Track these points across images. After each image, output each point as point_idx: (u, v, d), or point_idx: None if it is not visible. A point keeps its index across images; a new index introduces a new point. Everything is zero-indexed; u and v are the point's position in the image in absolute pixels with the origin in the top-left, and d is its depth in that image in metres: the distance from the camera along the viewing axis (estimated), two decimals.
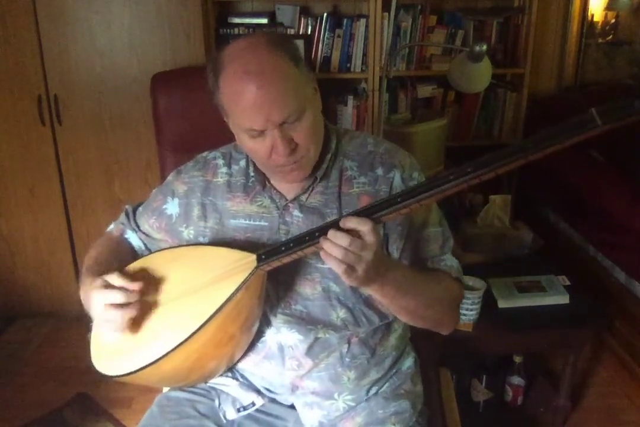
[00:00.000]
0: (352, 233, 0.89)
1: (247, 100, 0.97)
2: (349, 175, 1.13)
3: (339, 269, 0.89)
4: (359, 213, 0.91)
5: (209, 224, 1.16)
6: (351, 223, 0.89)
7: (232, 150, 1.21)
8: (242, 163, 1.18)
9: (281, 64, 0.98)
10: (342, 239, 0.88)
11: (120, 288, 1.02)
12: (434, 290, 1.10)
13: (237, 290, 1.01)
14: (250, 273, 1.01)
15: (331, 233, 0.89)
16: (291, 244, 0.96)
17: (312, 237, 0.93)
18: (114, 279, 1.03)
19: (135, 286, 1.03)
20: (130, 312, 1.01)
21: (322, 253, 0.90)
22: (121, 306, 1.00)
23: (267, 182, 1.14)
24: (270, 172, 1.12)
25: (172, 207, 1.21)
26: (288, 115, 0.98)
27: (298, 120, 1.00)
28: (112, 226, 1.32)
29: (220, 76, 1.00)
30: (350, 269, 0.89)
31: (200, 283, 1.05)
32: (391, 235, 1.12)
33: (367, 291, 1.01)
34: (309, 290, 1.12)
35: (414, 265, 1.14)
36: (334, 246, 0.89)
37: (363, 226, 0.88)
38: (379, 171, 1.13)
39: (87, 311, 1.09)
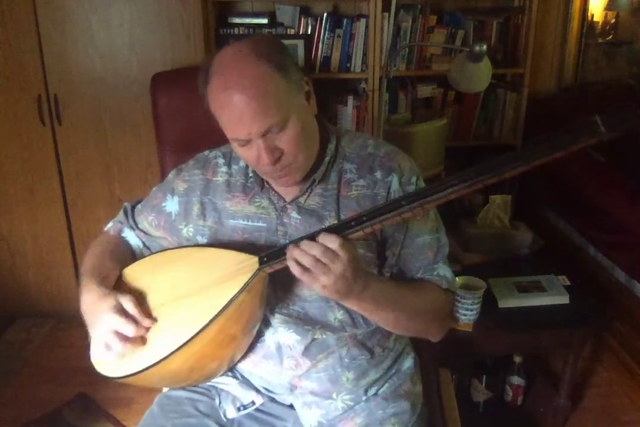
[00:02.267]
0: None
1: (228, 113, 0.99)
2: (348, 178, 1.13)
3: (301, 276, 0.92)
4: (364, 215, 0.92)
5: (207, 222, 1.17)
6: (322, 239, 0.91)
7: (232, 150, 1.21)
8: (242, 163, 1.18)
9: (264, 75, 0.98)
10: (315, 249, 0.90)
11: (132, 318, 1.03)
12: (417, 303, 1.10)
13: (240, 292, 1.01)
14: (252, 275, 1.01)
15: (304, 243, 0.92)
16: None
17: (314, 240, 0.94)
18: (129, 306, 1.04)
19: (147, 322, 1.04)
20: (133, 346, 1.03)
21: (289, 261, 0.93)
22: (126, 338, 1.02)
23: (265, 184, 1.14)
24: (263, 177, 1.12)
25: (172, 205, 1.21)
26: (270, 127, 0.99)
27: (282, 130, 1.00)
28: (110, 224, 1.32)
29: (207, 88, 1.02)
30: (314, 278, 0.91)
31: (202, 285, 1.06)
32: (388, 240, 1.12)
33: (345, 304, 1.02)
34: (306, 291, 1.12)
35: (406, 272, 1.15)
36: (304, 255, 0.91)
37: (332, 244, 0.90)
38: (378, 174, 1.13)
39: (83, 315, 1.10)
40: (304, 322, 1.12)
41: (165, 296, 1.08)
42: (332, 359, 1.14)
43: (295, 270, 0.93)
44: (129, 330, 1.02)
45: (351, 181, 1.13)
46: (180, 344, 0.99)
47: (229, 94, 0.97)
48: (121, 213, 1.32)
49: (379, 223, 0.91)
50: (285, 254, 0.98)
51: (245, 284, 1.01)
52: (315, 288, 0.94)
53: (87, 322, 1.08)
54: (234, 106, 0.97)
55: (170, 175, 1.26)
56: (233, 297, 1.01)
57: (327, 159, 1.12)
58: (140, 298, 1.08)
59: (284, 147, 1.02)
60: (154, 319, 1.06)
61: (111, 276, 1.14)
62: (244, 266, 1.03)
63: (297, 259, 0.92)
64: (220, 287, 1.04)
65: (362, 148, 1.16)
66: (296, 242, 0.95)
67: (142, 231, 1.27)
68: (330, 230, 0.93)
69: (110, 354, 1.03)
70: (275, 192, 1.14)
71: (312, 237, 0.93)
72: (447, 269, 1.18)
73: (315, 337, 1.12)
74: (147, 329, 1.05)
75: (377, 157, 1.15)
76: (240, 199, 1.15)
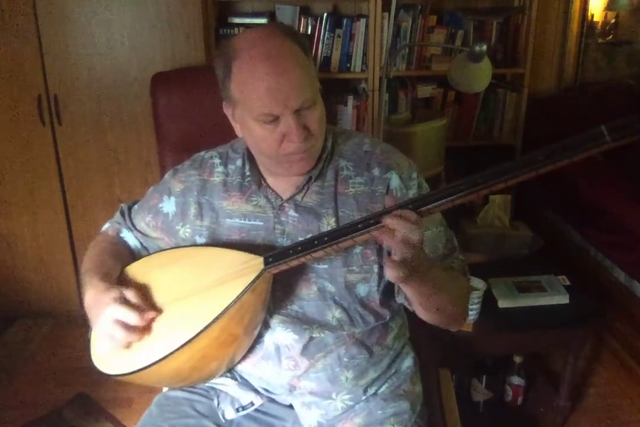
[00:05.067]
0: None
1: (265, 85, 0.97)
2: (345, 175, 1.13)
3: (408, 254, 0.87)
4: (374, 216, 0.91)
5: (205, 222, 1.17)
6: (407, 214, 0.87)
7: (229, 150, 1.21)
8: (239, 162, 1.18)
9: (296, 52, 1.00)
10: (414, 233, 0.86)
11: (136, 308, 1.02)
12: (456, 287, 1.11)
13: (244, 292, 1.01)
14: (257, 275, 1.01)
15: (405, 226, 0.86)
16: (299, 248, 0.97)
17: (321, 241, 0.94)
18: (132, 295, 1.03)
19: (151, 313, 1.03)
20: (135, 337, 1.02)
21: (397, 240, 0.86)
22: (129, 327, 1.01)
23: (262, 182, 1.14)
24: (275, 163, 1.09)
25: (169, 205, 1.21)
26: (304, 101, 0.99)
27: (311, 107, 1.01)
28: (107, 225, 1.32)
29: (234, 62, 1.00)
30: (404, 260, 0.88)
31: (206, 284, 1.06)
32: None
33: (405, 288, 0.99)
34: (304, 290, 1.12)
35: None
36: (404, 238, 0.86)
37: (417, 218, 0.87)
38: (376, 172, 1.13)
39: (86, 311, 1.09)
40: (301, 321, 1.12)
41: (168, 295, 1.08)
42: (330, 359, 1.13)
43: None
44: (133, 318, 1.00)
45: (348, 178, 1.13)
46: (183, 342, 0.99)
47: (266, 65, 0.97)
48: (118, 214, 1.32)
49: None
50: (289, 255, 0.98)
51: (249, 284, 1.01)
52: (393, 269, 0.87)
53: (90, 317, 1.07)
54: (272, 77, 0.97)
55: (166, 176, 1.26)
56: (237, 297, 1.00)
57: (324, 156, 1.12)
58: (143, 296, 1.08)
59: (311, 126, 1.02)
60: (157, 317, 1.06)
61: (113, 273, 1.13)
62: (248, 266, 1.03)
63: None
64: (224, 287, 1.03)
65: (358, 146, 1.17)
66: (307, 241, 0.94)
67: (139, 231, 1.27)
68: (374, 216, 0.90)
69: (113, 345, 1.02)
70: (272, 190, 1.13)
71: (372, 218, 0.90)
72: (460, 257, 1.19)
73: (313, 335, 1.12)
74: (151, 319, 1.04)
75: (374, 155, 1.15)
76: (237, 198, 1.15)
